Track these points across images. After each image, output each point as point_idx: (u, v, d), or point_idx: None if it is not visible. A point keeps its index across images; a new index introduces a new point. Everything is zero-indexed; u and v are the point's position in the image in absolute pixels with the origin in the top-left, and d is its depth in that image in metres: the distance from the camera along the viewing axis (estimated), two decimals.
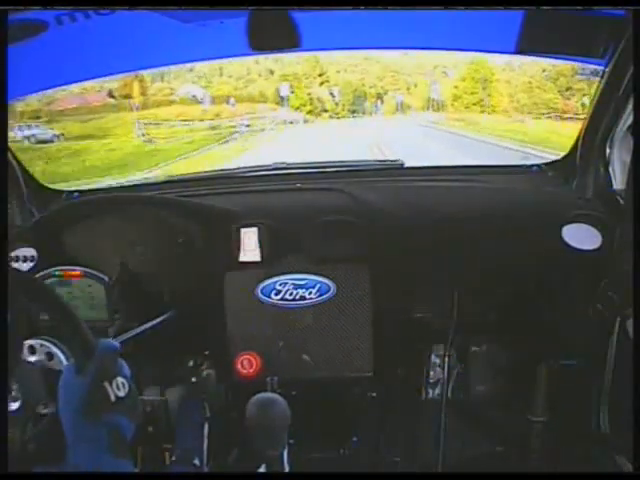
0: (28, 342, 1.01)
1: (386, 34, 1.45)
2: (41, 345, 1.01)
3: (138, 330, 1.39)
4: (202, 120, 12.69)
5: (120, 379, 0.83)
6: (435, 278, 1.55)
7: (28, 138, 9.47)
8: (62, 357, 1.01)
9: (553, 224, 1.50)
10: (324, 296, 1.47)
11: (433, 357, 1.72)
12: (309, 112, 14.01)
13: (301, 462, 1.32)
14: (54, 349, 1.01)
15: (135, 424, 0.83)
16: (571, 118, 10.95)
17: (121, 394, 0.82)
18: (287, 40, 1.34)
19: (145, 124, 11.58)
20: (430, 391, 1.74)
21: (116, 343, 0.87)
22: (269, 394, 1.25)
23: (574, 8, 1.25)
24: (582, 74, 1.51)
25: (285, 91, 13.60)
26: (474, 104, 13.34)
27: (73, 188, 1.83)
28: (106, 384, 0.81)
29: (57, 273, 1.42)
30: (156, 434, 1.41)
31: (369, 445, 1.67)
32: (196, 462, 1.33)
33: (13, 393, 0.92)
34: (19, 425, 0.92)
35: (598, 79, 1.45)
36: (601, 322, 1.45)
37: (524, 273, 1.56)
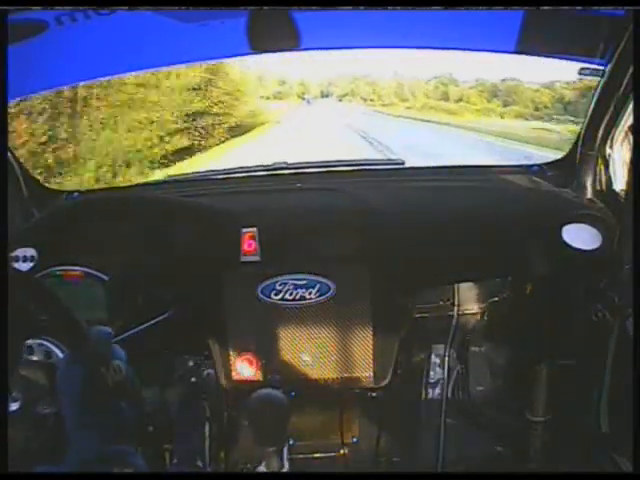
0: (27, 342, 1.01)
1: (386, 34, 1.45)
2: (39, 345, 1.01)
3: (138, 330, 1.39)
4: None
5: (116, 362, 0.83)
6: (435, 278, 1.55)
7: None
8: (59, 352, 1.01)
9: (553, 224, 1.49)
10: (324, 296, 1.47)
11: (433, 357, 1.72)
12: None
13: (301, 462, 1.32)
14: (51, 347, 1.01)
15: (137, 410, 0.83)
16: None
17: (118, 378, 0.82)
18: (287, 40, 1.34)
19: None
20: (430, 391, 1.73)
21: (108, 329, 0.87)
22: (269, 390, 1.24)
23: (574, 8, 1.25)
24: (582, 74, 1.50)
25: None
26: None
27: (73, 188, 1.84)
28: (103, 369, 0.81)
29: (57, 273, 1.42)
30: (156, 434, 1.41)
31: (369, 445, 1.67)
32: (198, 463, 1.33)
33: (13, 394, 0.91)
34: (18, 426, 0.92)
35: (598, 79, 1.45)
36: (601, 322, 1.45)
37: (524, 273, 1.55)
